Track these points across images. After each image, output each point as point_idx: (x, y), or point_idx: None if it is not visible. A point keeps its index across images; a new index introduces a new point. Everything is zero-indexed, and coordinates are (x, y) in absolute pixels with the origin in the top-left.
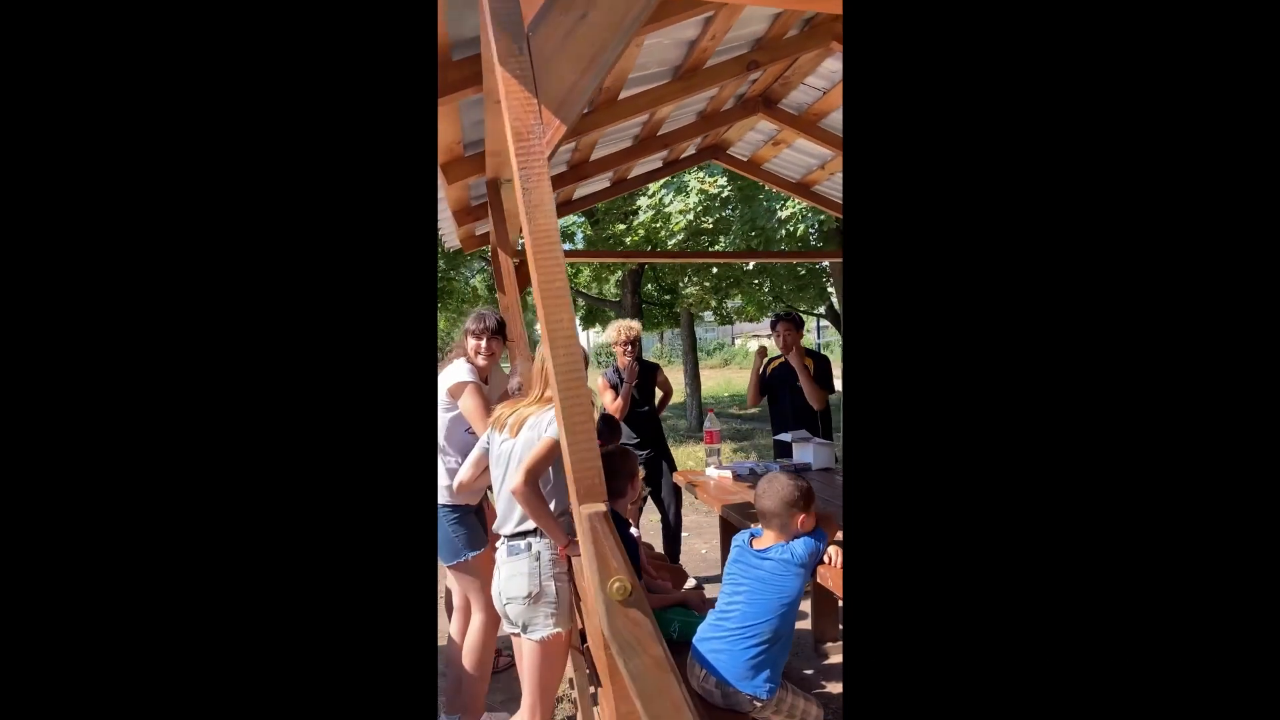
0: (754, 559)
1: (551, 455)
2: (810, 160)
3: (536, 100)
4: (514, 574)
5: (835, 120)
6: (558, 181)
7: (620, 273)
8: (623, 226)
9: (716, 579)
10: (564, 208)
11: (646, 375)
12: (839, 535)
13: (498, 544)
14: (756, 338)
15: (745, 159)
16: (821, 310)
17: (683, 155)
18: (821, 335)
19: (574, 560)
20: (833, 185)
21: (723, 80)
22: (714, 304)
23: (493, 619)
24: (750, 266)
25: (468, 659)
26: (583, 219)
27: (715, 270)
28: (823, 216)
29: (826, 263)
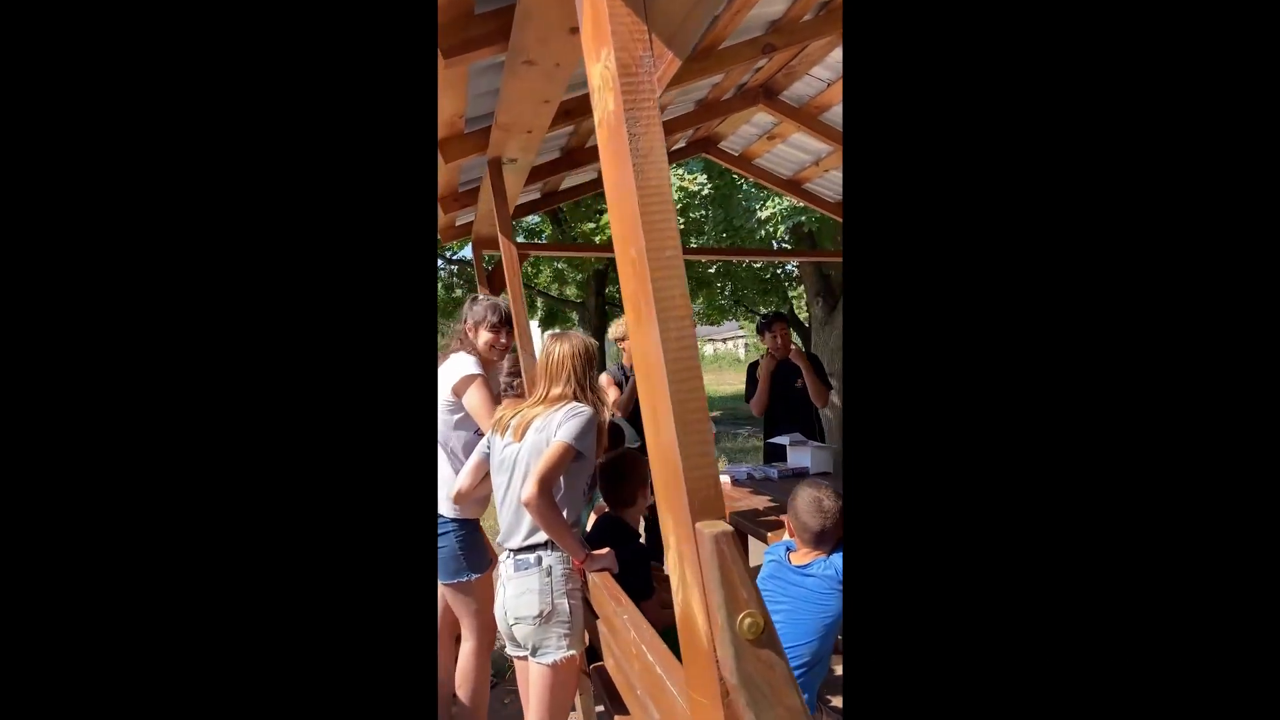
0: (794, 575)
1: (564, 461)
2: (804, 156)
3: (646, 27)
4: (523, 591)
5: (838, 114)
6: (549, 169)
7: (583, 275)
8: (591, 225)
9: None
10: (552, 199)
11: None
12: None
13: (501, 558)
14: (712, 341)
15: (737, 153)
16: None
17: (674, 147)
18: None
19: (589, 576)
20: (825, 183)
21: (736, 63)
22: (698, 302)
23: (485, 644)
24: (713, 269)
25: (462, 689)
26: (539, 219)
27: (695, 273)
28: (803, 218)
29: (794, 266)
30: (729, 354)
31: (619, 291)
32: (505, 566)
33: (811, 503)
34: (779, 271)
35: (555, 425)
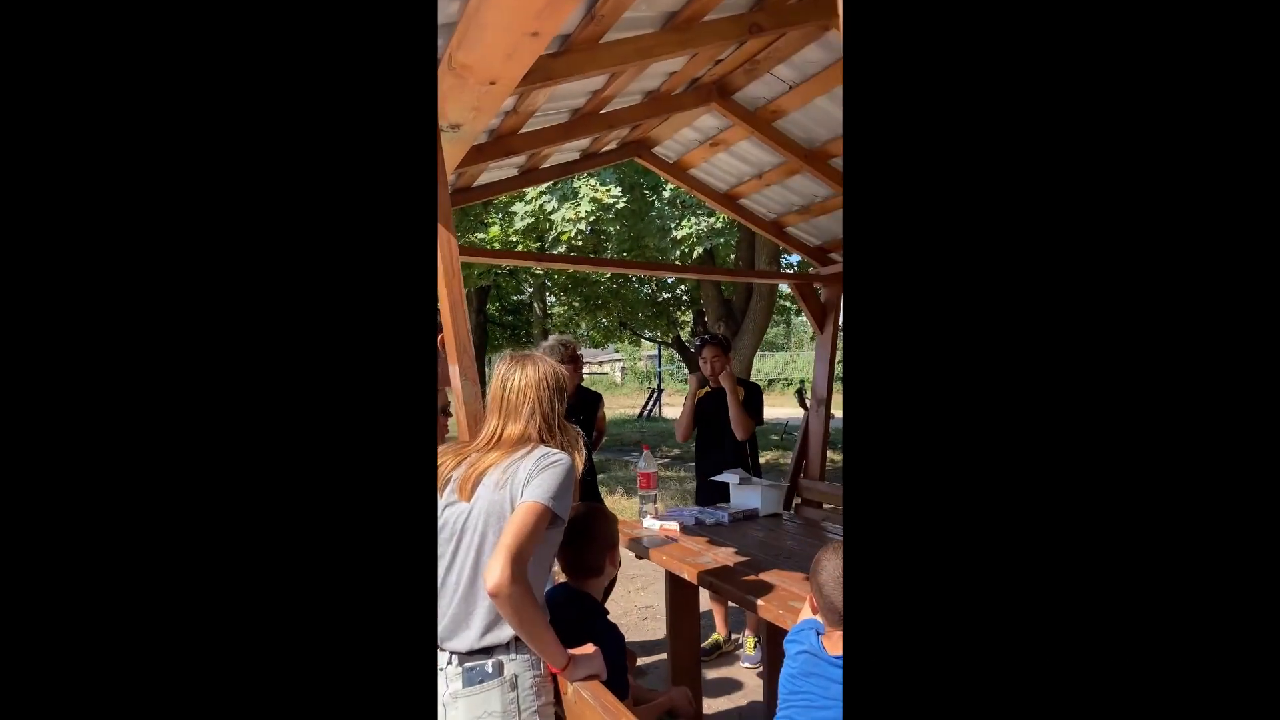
0: (835, 670)
1: (540, 529)
2: (745, 168)
3: None
4: (479, 715)
5: (791, 123)
6: (475, 155)
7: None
8: (482, 236)
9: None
10: (464, 196)
11: (588, 407)
12: None
13: (440, 664)
14: (588, 365)
15: (672, 160)
16: (669, 340)
17: (604, 149)
18: (662, 365)
19: (563, 684)
20: (762, 199)
21: (716, 41)
22: (581, 326)
23: None
24: (601, 287)
25: None
26: None
27: (584, 291)
28: (722, 240)
29: (684, 290)
30: (606, 378)
31: (498, 310)
32: (448, 678)
33: (831, 575)
34: (668, 295)
35: (522, 479)
